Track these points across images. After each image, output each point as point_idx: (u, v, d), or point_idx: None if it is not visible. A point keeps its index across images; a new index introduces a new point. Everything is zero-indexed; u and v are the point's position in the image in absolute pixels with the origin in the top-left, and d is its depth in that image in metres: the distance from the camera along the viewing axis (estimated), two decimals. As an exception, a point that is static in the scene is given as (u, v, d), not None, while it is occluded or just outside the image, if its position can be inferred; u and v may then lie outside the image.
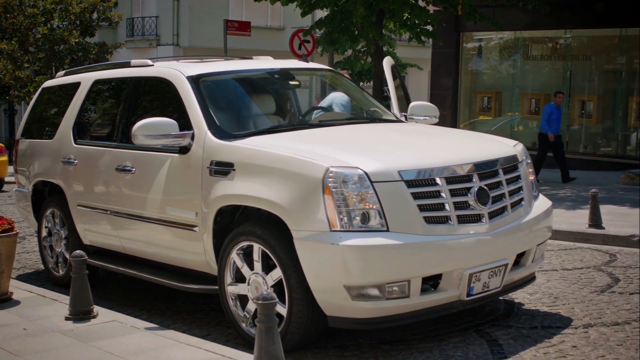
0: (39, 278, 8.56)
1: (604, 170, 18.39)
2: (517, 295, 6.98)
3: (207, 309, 7.03)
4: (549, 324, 6.19)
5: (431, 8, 18.12)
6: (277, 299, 4.64)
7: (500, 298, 6.75)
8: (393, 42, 30.91)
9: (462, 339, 5.86)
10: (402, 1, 16.58)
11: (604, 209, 10.70)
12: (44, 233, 8.32)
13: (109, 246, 7.42)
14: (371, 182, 5.25)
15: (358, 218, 5.22)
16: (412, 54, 34.71)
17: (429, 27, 18.30)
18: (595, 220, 10.26)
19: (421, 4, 17.34)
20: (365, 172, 5.26)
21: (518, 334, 5.95)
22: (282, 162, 5.56)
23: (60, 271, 8.09)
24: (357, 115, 7.27)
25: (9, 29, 25.53)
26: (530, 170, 6.35)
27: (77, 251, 6.37)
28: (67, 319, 6.27)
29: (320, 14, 22.47)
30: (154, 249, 6.80)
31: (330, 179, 5.23)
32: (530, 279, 6.39)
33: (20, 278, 8.38)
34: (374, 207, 5.23)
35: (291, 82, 7.41)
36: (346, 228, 5.19)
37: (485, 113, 22.32)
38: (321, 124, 6.70)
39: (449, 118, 21.39)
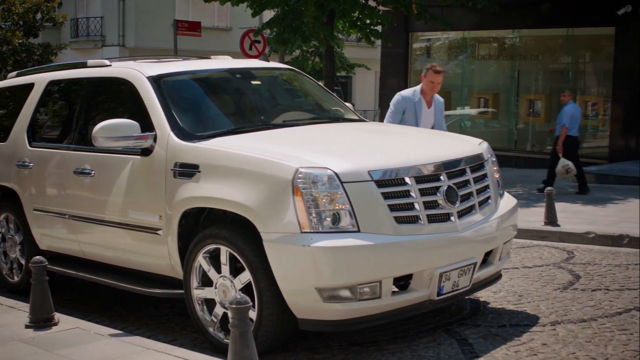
0: (-7, 285, 8.32)
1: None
2: (482, 294, 6.98)
3: (170, 313, 6.91)
4: (517, 322, 6.20)
5: (381, 8, 18.14)
6: (250, 303, 4.56)
7: (466, 297, 6.74)
8: (341, 42, 30.92)
9: (432, 339, 5.83)
10: (353, 1, 16.59)
11: (558, 206, 10.80)
12: (-2, 238, 8.10)
13: (67, 251, 7.24)
14: (341, 182, 5.19)
15: (329, 219, 5.15)
16: (360, 54, 34.78)
17: (379, 28, 18.33)
18: (551, 217, 10.35)
19: (372, 4, 17.34)
20: (335, 173, 5.20)
21: (487, 332, 5.95)
22: (250, 163, 5.46)
23: (15, 277, 7.87)
24: (320, 114, 7.18)
25: (-50, 30, 24.93)
26: (495, 168, 6.36)
27: (37, 257, 6.20)
28: (27, 327, 6.08)
29: (269, 14, 22.37)
30: (115, 253, 6.65)
31: (300, 180, 5.16)
32: (497, 277, 6.40)
33: (-27, 285, 8.14)
34: (345, 207, 5.18)
35: (253, 82, 7.31)
36: (317, 229, 5.13)
37: (435, 112, 22.44)
38: (285, 124, 6.61)
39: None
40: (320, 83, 7.84)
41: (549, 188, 10.73)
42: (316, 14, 16.01)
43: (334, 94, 7.66)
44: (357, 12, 17.14)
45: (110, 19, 31.07)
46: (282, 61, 21.99)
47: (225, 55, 8.07)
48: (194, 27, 22.37)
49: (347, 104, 7.53)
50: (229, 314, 4.52)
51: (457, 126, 21.41)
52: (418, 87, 8.82)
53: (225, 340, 5.63)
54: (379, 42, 19.38)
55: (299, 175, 5.17)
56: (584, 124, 19.21)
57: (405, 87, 21.98)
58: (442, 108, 8.95)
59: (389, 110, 8.72)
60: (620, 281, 7.47)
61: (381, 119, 13.00)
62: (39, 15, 25.69)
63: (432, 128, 8.59)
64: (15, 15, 25.14)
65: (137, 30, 30.70)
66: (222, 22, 33.08)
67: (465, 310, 6.59)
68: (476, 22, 20.40)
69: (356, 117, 7.29)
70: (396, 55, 21.78)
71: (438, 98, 8.93)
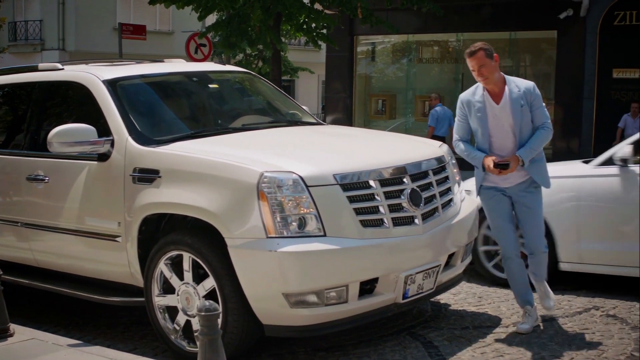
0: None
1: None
2: (443, 297, 6.99)
3: (127, 322, 6.77)
4: (480, 324, 6.23)
5: (326, 12, 18.12)
6: (220, 310, 4.48)
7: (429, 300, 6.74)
8: (284, 46, 30.87)
9: (397, 342, 5.82)
10: (299, 5, 16.54)
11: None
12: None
13: (19, 259, 7.03)
14: (306, 186, 5.14)
15: (295, 223, 5.10)
16: (303, 58, 34.80)
17: (325, 31, 18.32)
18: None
19: (317, 7, 17.31)
20: (300, 177, 5.15)
21: (451, 334, 5.96)
22: (213, 167, 5.38)
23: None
24: (279, 118, 7.12)
25: None
26: (456, 170, 6.37)
27: (-9, 266, 6.03)
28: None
29: (212, 18, 22.20)
30: (71, 261, 6.49)
31: (265, 184, 5.09)
32: (459, 279, 6.42)
33: None
34: (310, 211, 5.13)
35: (210, 85, 7.22)
36: (283, 234, 5.07)
37: (380, 115, 22.52)
38: (244, 128, 6.53)
39: (344, 121, 21.47)
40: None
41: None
42: (262, 17, 15.92)
43: (291, 98, 7.60)
44: (304, 16, 17.09)
45: (49, 22, 30.52)
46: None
47: (178, 59, 7.95)
48: (139, 31, 22.10)
49: (304, 107, 7.49)
50: (198, 321, 4.43)
51: (402, 129, 21.51)
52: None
53: (188, 348, 5.54)
54: (323, 45, 19.36)
55: (264, 179, 5.10)
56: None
57: (351, 90, 22.11)
58: (528, 98, 5.97)
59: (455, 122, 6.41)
60: (576, 281, 7.54)
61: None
62: (-24, 19, 25.18)
63: (515, 131, 5.98)
64: (-48, 19, 24.62)
65: (78, 33, 30.22)
66: (164, 26, 32.77)
67: (427, 313, 6.59)
68: (420, 25, 20.51)
69: (314, 121, 7.25)
70: (341, 59, 21.78)
71: (515, 87, 6.02)
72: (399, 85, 22.33)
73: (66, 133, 5.94)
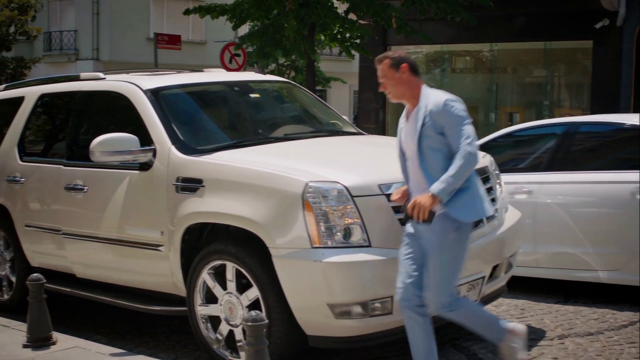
0: (-20, 303, 8.10)
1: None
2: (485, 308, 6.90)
3: (168, 331, 6.77)
4: (524, 337, 6.13)
5: (360, 22, 18.10)
6: (266, 320, 4.45)
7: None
8: (317, 56, 30.87)
9: (442, 354, 5.72)
10: (334, 15, 16.54)
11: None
12: (-15, 256, 7.89)
13: (60, 268, 7.07)
14: (352, 196, 5.10)
15: (340, 234, 5.07)
16: (335, 68, 34.79)
17: (358, 41, 18.29)
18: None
19: (352, 17, 17.30)
20: (345, 187, 5.11)
21: (495, 347, 5.86)
22: (257, 177, 5.36)
23: (5, 295, 7.67)
24: (320, 128, 7.10)
25: None
26: (499, 181, 6.31)
27: (35, 274, 6.07)
28: (25, 346, 5.93)
29: (245, 28, 22.27)
30: (112, 270, 6.50)
31: (310, 194, 5.07)
32: (502, 291, 6.33)
33: (-40, 304, 7.93)
34: (356, 222, 5.09)
35: (251, 95, 7.22)
36: (327, 244, 5.04)
37: (413, 126, 22.46)
38: (287, 138, 6.51)
39: (376, 132, 21.42)
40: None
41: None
42: (297, 27, 15.93)
43: (332, 107, 7.57)
44: (338, 26, 17.09)
45: (84, 32, 30.79)
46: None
47: (218, 69, 7.97)
48: (174, 41, 22.23)
49: (344, 117, 7.46)
50: (245, 332, 4.41)
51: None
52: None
53: (230, 357, 5.52)
54: (355, 56, 19.34)
55: (309, 189, 5.08)
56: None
57: (384, 101, 22.06)
58: (434, 117, 4.87)
59: None
60: (621, 293, 7.43)
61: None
62: (12, 29, 25.45)
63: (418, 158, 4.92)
64: (-12, 29, 24.90)
65: (112, 43, 30.46)
66: (197, 36, 32.93)
67: (469, 324, 6.50)
68: (452, 35, 20.42)
69: (355, 131, 7.22)
70: (374, 69, 21.69)
71: (424, 103, 4.98)
72: (432, 95, 22.24)
73: (109, 142, 5.95)
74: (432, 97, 4.99)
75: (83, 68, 28.69)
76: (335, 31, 17.40)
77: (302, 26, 16.07)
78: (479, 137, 19.47)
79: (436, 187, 4.71)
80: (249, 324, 4.36)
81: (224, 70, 7.81)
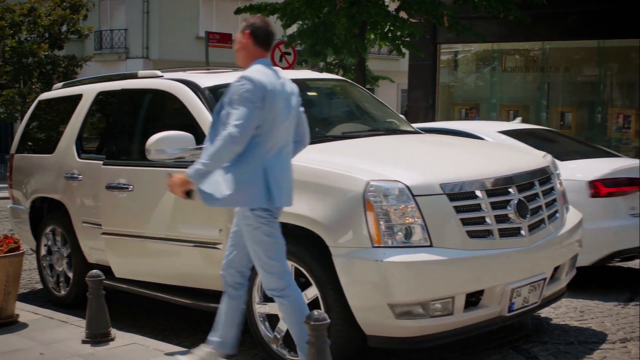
0: (37, 298, 8.20)
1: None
2: (542, 310, 6.78)
3: (223, 328, 6.75)
4: (585, 339, 6.04)
5: (411, 20, 18.00)
6: (329, 320, 4.41)
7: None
8: (367, 54, 30.79)
9: (501, 356, 5.68)
10: (385, 13, 16.48)
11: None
12: (43, 251, 7.97)
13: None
14: (413, 195, 5.05)
15: (401, 233, 5.02)
16: (382, 67, 34.66)
17: (409, 39, 18.20)
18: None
19: (402, 15, 17.21)
20: (406, 186, 5.07)
21: (556, 350, 5.79)
22: (317, 176, 5.33)
23: (62, 291, 7.75)
24: (378, 126, 7.04)
25: (-24, 42, 25.03)
26: (560, 181, 6.21)
27: (94, 271, 6.10)
28: (84, 342, 5.97)
29: (293, 27, 22.27)
30: (168, 268, 6.51)
31: (371, 193, 5.03)
32: (562, 293, 6.23)
33: (17, 298, 8.00)
34: (417, 221, 5.04)
35: (308, 93, 7.18)
36: (389, 244, 4.99)
37: (463, 125, 22.28)
38: (345, 136, 6.47)
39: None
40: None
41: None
42: (348, 25, 15.90)
43: (388, 106, 7.50)
44: (389, 24, 17.02)
45: (134, 31, 31.05)
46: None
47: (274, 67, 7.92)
48: (225, 39, 22.30)
49: (401, 116, 7.39)
50: (307, 331, 4.38)
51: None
52: None
53: (289, 356, 5.49)
54: (407, 54, 19.24)
55: (370, 188, 5.04)
56: (616, 137, 19.06)
57: (433, 99, 21.91)
58: (227, 96, 4.84)
59: None
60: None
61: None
62: (64, 28, 25.74)
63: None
64: (41, 28, 25.22)
65: (161, 42, 30.66)
66: (245, 35, 32.96)
67: (528, 326, 6.43)
68: (503, 34, 20.22)
69: (412, 129, 7.15)
70: (424, 67, 21.61)
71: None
72: (482, 94, 22.07)
73: (164, 140, 5.90)
74: (244, 73, 4.79)
75: (133, 66, 28.95)
76: (385, 29, 17.32)
77: (352, 24, 16.04)
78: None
79: (191, 168, 4.69)
80: (312, 323, 4.33)
81: (280, 69, 7.74)
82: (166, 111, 7.02)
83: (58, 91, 8.31)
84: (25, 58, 25.08)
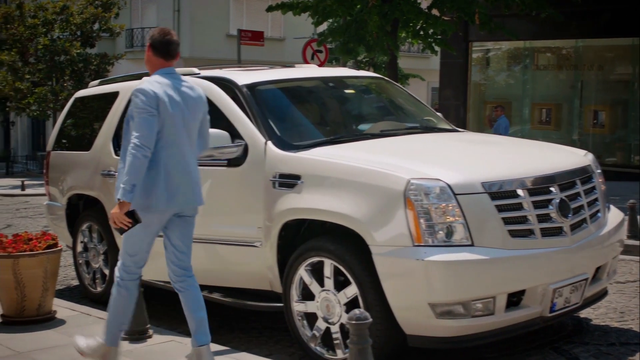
0: (73, 295, 8.25)
1: (621, 180, 18.19)
2: (582, 311, 6.71)
3: (260, 327, 6.75)
4: (626, 340, 5.96)
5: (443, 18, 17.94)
6: (371, 319, 4.38)
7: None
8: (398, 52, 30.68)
9: (541, 357, 5.62)
10: (417, 11, 16.44)
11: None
12: (79, 248, 8.01)
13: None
14: (454, 194, 5.01)
15: (442, 232, 4.97)
16: (413, 65, 34.55)
17: (440, 37, 18.13)
18: (634, 231, 10.07)
19: (435, 13, 17.14)
20: (447, 184, 5.02)
21: (597, 351, 5.72)
22: (357, 174, 5.30)
23: (98, 288, 7.79)
24: (416, 124, 6.99)
25: (9, 40, 25.27)
26: (601, 180, 6.13)
27: (132, 268, 6.08)
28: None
29: (324, 24, 22.26)
30: (205, 267, 6.49)
31: (412, 192, 4.99)
32: (603, 294, 6.15)
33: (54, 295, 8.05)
34: (458, 220, 5.00)
35: (346, 90, 7.15)
36: (430, 243, 4.95)
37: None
38: (383, 134, 6.43)
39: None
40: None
41: (631, 201, 10.43)
42: (380, 23, 15.87)
43: (425, 104, 7.46)
44: (421, 22, 16.96)
45: (165, 29, 31.18)
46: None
47: (310, 64, 7.93)
48: (257, 37, 22.36)
49: (439, 114, 7.35)
50: (348, 330, 4.34)
51: (517, 137, 21.08)
52: None
53: (327, 355, 5.47)
54: (439, 52, 19.17)
55: (411, 186, 5.00)
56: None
57: (465, 97, 21.80)
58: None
59: None
60: None
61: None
62: (96, 26, 25.95)
63: None
64: (74, 26, 25.43)
65: (192, 40, 30.77)
66: (275, 32, 33.03)
67: (568, 327, 6.35)
68: (535, 31, 20.07)
69: (449, 127, 7.10)
70: (455, 65, 21.53)
71: None
72: (514, 92, 21.94)
73: None
74: (137, 86, 4.98)
75: (164, 64, 29.03)
76: (417, 27, 17.27)
77: (385, 22, 16.00)
78: (564, 135, 18.91)
79: (119, 193, 4.82)
80: (353, 322, 4.29)
81: (315, 66, 7.76)
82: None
83: (94, 89, 8.34)
84: (58, 56, 25.31)
